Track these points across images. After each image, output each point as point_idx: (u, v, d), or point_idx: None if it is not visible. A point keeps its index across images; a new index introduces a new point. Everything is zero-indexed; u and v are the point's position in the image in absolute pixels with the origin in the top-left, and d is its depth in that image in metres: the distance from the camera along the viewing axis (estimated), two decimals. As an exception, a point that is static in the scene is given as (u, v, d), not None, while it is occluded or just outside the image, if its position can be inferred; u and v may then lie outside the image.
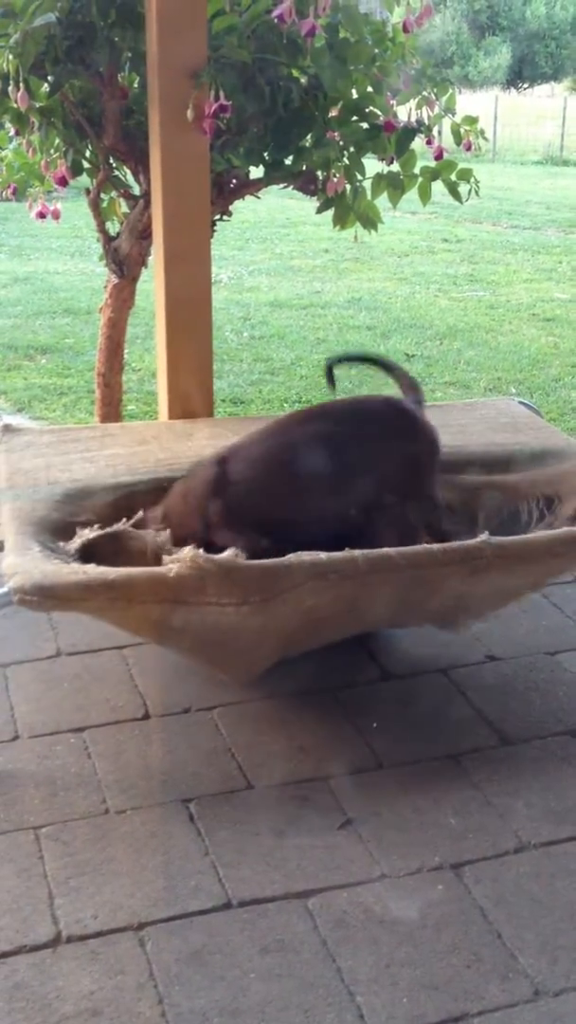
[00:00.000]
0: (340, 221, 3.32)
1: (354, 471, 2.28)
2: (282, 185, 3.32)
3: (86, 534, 2.26)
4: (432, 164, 3.31)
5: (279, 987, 1.70)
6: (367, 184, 3.30)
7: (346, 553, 2.05)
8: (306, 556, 2.03)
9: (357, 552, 2.06)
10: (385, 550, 2.08)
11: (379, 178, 3.30)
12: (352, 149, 3.19)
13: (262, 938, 1.79)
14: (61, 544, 2.23)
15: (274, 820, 2.07)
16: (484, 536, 2.16)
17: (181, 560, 1.97)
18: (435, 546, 2.14)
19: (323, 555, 2.04)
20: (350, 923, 1.82)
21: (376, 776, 2.20)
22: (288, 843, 2.01)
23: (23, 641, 2.66)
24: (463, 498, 2.58)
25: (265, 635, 2.12)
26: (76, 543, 2.23)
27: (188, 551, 1.99)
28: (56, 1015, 1.64)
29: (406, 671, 2.58)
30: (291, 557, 2.03)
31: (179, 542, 2.19)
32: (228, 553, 2.00)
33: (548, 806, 2.12)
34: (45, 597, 1.97)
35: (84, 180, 3.40)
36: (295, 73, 3.04)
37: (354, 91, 3.14)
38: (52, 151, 3.30)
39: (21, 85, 2.81)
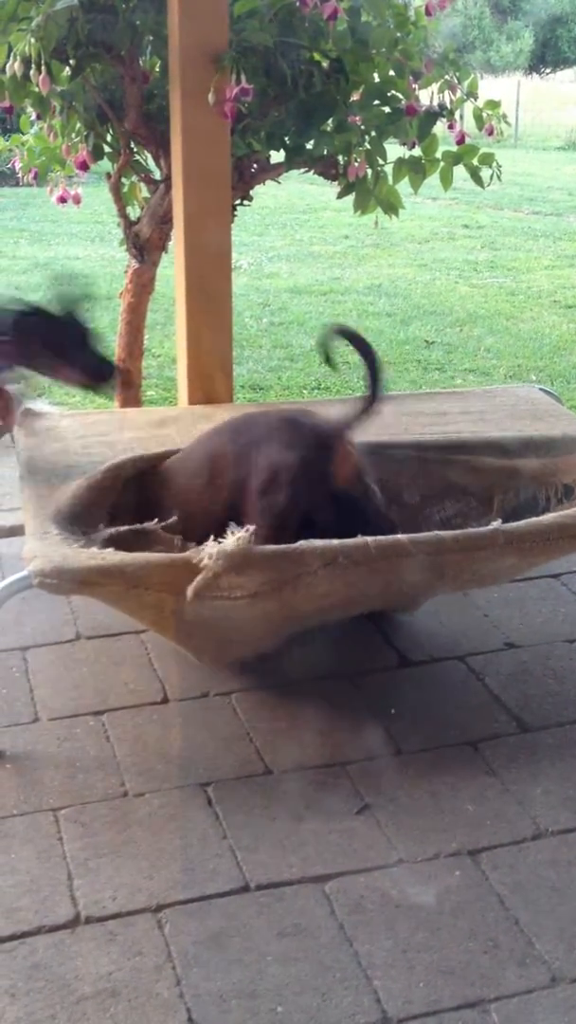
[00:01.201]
0: (361, 206, 3.31)
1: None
2: (303, 170, 3.31)
3: (112, 528, 2.25)
4: (454, 149, 3.29)
5: (296, 970, 1.70)
6: (388, 169, 3.28)
7: (358, 539, 2.05)
8: (317, 542, 2.03)
9: (369, 538, 2.06)
10: (396, 536, 2.08)
11: (400, 163, 3.28)
12: (374, 133, 3.18)
13: (279, 922, 1.80)
14: (86, 531, 2.24)
15: (292, 804, 2.07)
16: (497, 523, 2.16)
17: (205, 567, 1.97)
18: (447, 533, 2.14)
19: (334, 541, 2.04)
20: (367, 908, 1.83)
21: (394, 762, 2.21)
22: (306, 827, 2.01)
23: (43, 625, 2.67)
24: (480, 481, 2.57)
25: (275, 621, 2.13)
26: (104, 534, 2.23)
27: (207, 549, 1.98)
28: (74, 995, 1.65)
29: (424, 657, 2.58)
30: (302, 543, 2.03)
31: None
32: (235, 540, 1.99)
33: (566, 793, 2.12)
34: (64, 581, 1.98)
35: (105, 165, 3.39)
36: (317, 57, 3.02)
37: (376, 75, 3.12)
38: (73, 135, 3.30)
39: (43, 69, 2.81)
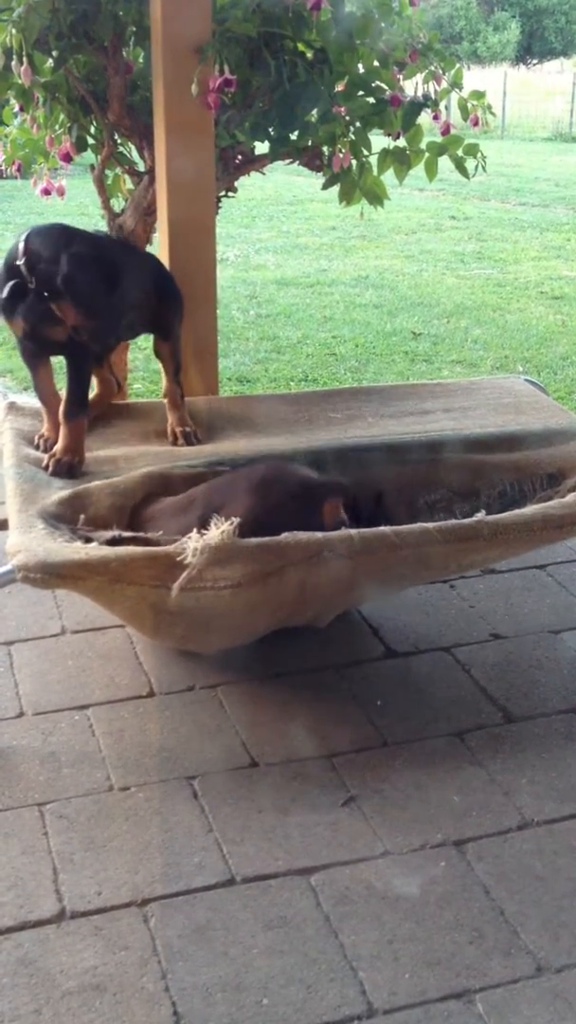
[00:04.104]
0: (346, 197, 3.30)
1: None
2: (288, 161, 3.30)
3: (116, 532, 2.24)
4: (439, 140, 3.28)
5: (282, 963, 1.70)
6: (373, 160, 3.27)
7: (342, 532, 2.05)
8: (301, 534, 2.02)
9: (353, 531, 2.05)
10: (381, 529, 2.08)
11: (385, 153, 3.27)
12: (358, 124, 3.16)
13: (265, 914, 1.80)
14: (81, 529, 2.22)
15: (278, 797, 2.07)
16: (480, 515, 2.15)
17: (190, 563, 1.96)
18: (431, 525, 2.13)
19: (318, 533, 2.03)
20: (353, 899, 1.83)
21: (380, 753, 2.21)
22: (291, 820, 2.01)
23: (28, 619, 2.66)
24: (463, 477, 2.57)
25: (258, 614, 2.12)
26: (108, 535, 2.21)
27: (191, 543, 1.97)
28: (59, 990, 1.65)
29: (410, 649, 2.58)
30: (286, 535, 2.02)
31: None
32: (219, 533, 1.98)
33: (551, 783, 2.12)
34: (48, 575, 1.97)
35: (89, 156, 3.38)
36: (301, 47, 3.01)
37: (360, 65, 3.11)
38: (56, 127, 3.29)
39: (25, 60, 2.79)
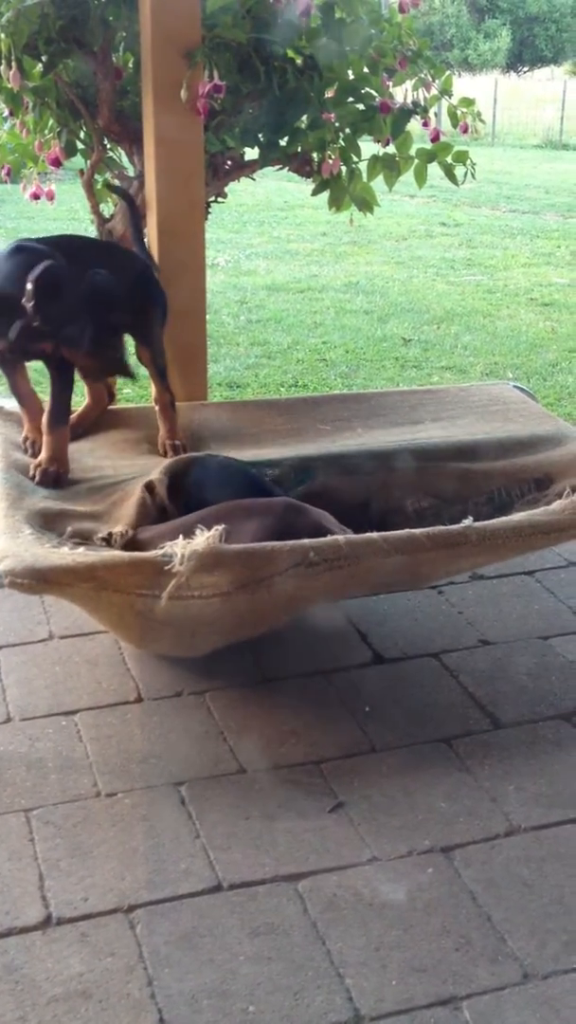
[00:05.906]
0: (336, 203, 3.30)
1: None
2: (277, 167, 3.30)
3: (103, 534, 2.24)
4: (429, 146, 3.28)
5: (268, 969, 1.70)
6: (363, 166, 3.27)
7: (329, 538, 2.05)
8: (288, 541, 2.02)
9: (340, 536, 2.05)
10: (369, 535, 2.08)
11: (375, 160, 3.27)
12: (348, 130, 3.17)
13: (252, 921, 1.79)
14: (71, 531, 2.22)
15: (265, 803, 2.07)
16: (468, 521, 2.16)
17: (177, 570, 1.95)
18: (419, 531, 2.13)
19: (305, 540, 2.03)
20: (340, 906, 1.83)
21: (368, 759, 2.20)
22: (279, 826, 2.01)
23: (15, 624, 2.66)
24: (452, 485, 2.57)
25: (246, 621, 2.12)
26: (101, 535, 2.21)
27: (177, 548, 1.97)
28: (45, 997, 1.64)
29: (398, 655, 2.58)
30: (273, 543, 2.02)
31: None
32: (205, 539, 1.98)
33: (539, 790, 2.12)
34: (35, 581, 1.95)
35: (78, 161, 3.37)
36: (290, 53, 3.01)
37: (350, 72, 3.11)
38: (46, 132, 3.28)
39: (14, 64, 2.79)
